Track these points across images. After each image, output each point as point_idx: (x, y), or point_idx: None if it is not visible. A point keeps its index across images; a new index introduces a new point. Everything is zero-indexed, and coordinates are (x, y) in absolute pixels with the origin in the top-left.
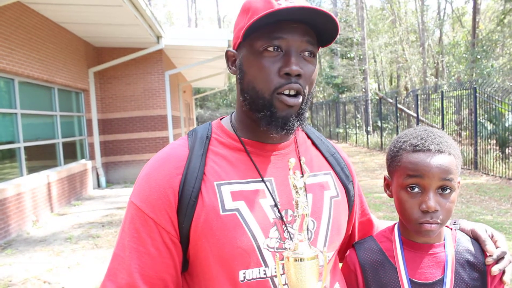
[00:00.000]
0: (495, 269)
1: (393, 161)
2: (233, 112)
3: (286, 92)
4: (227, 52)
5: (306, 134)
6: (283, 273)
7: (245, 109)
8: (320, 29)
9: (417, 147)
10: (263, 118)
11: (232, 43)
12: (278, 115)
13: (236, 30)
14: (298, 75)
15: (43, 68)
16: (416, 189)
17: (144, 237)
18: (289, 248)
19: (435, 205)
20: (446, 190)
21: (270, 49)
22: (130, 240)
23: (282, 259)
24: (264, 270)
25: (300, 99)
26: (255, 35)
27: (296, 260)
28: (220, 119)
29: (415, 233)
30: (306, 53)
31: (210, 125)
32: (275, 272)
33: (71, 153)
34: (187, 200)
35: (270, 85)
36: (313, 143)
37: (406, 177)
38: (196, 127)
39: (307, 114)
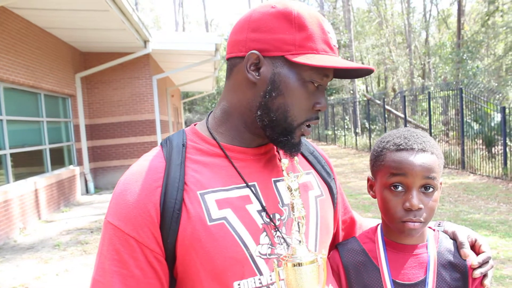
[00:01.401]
0: (477, 273)
1: (377, 161)
2: (208, 116)
3: (311, 124)
4: (251, 54)
5: None
6: (281, 279)
7: (259, 124)
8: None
9: (400, 146)
10: (282, 142)
11: (261, 46)
12: (294, 141)
13: (273, 38)
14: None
15: (29, 73)
16: (400, 188)
17: (126, 258)
18: (288, 253)
19: (419, 203)
20: (429, 188)
21: (316, 83)
22: (110, 264)
23: (281, 266)
24: (260, 279)
25: None
26: (308, 64)
27: (294, 265)
28: (194, 125)
29: (398, 233)
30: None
31: (184, 132)
32: (271, 279)
33: (58, 159)
34: (170, 213)
35: (303, 116)
36: None
37: (390, 175)
38: (168, 136)
39: None
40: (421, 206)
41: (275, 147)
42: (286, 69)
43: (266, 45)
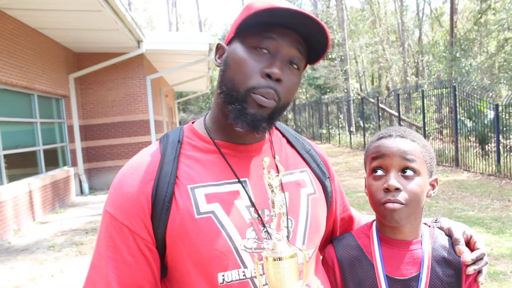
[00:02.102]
0: (470, 269)
1: (365, 156)
2: (207, 114)
3: (263, 93)
4: (218, 44)
5: (281, 132)
6: (263, 274)
7: (219, 102)
8: (311, 43)
9: (381, 135)
10: (232, 111)
11: (226, 38)
12: (247, 111)
13: (231, 26)
14: (278, 80)
15: (22, 74)
16: (380, 172)
17: (119, 245)
18: (268, 248)
19: (396, 183)
20: (409, 172)
21: (259, 48)
22: (106, 249)
23: (261, 259)
24: (243, 271)
25: (274, 103)
26: (248, 32)
27: (274, 260)
28: (192, 123)
29: (382, 218)
30: (291, 63)
31: (182, 129)
32: (255, 273)
33: (52, 160)
34: (160, 205)
35: (248, 82)
36: (288, 141)
37: (371, 161)
38: (167, 132)
39: (290, 115)
40: (399, 186)
41: (269, 145)
42: (234, 45)
43: (227, 36)
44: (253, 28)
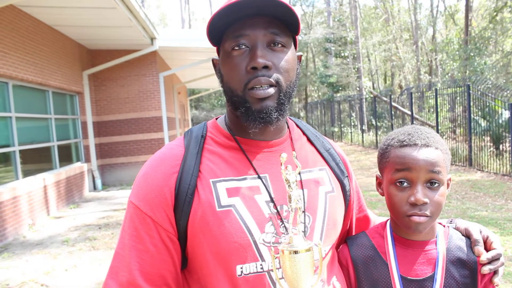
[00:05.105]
0: (486, 269)
1: (383, 158)
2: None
3: (257, 86)
4: (213, 60)
5: (302, 130)
6: (279, 267)
7: (230, 108)
8: (285, 18)
9: (404, 142)
10: (241, 116)
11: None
12: (253, 109)
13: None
14: (266, 67)
15: (37, 71)
16: (405, 183)
17: (142, 235)
18: (284, 242)
19: (423, 197)
20: (435, 184)
21: (236, 47)
22: (129, 239)
23: (278, 253)
24: (261, 265)
25: (273, 90)
26: (225, 38)
27: (290, 253)
28: (216, 119)
29: (404, 228)
30: (273, 44)
31: (205, 124)
32: (272, 266)
33: (66, 156)
34: (183, 197)
35: (240, 82)
36: (308, 139)
37: (395, 171)
38: (192, 127)
39: (302, 113)
40: (426, 200)
41: (289, 142)
42: (220, 55)
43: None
44: (227, 32)
